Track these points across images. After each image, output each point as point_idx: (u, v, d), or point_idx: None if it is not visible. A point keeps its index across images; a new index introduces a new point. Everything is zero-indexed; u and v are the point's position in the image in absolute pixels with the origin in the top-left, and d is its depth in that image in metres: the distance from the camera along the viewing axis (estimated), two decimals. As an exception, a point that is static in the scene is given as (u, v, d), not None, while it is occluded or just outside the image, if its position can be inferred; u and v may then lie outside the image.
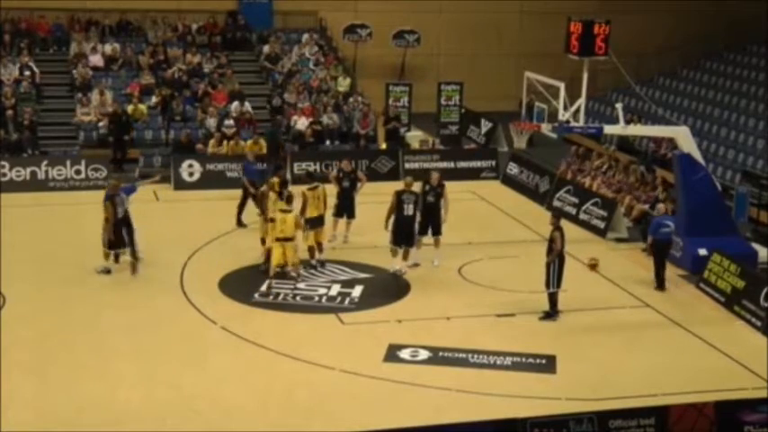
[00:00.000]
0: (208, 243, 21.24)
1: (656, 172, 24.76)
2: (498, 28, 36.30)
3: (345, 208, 21.30)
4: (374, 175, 26.68)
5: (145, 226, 21.54)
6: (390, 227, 19.50)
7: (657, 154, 27.42)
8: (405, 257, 19.64)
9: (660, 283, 19.38)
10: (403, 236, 19.51)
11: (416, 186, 20.18)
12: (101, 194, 24.99)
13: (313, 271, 19.63)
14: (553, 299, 17.74)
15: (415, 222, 19.60)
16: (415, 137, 30.83)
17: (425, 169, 26.46)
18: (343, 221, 21.38)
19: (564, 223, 22.98)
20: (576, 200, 24.13)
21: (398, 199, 19.44)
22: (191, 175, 25.95)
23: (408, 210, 19.43)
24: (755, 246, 21.13)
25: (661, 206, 20.52)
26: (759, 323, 17.69)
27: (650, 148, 28.00)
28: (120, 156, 27.16)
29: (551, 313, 17.72)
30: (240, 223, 22.56)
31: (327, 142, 29.22)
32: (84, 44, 31.57)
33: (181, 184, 25.91)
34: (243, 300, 18.33)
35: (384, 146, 29.51)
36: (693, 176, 20.66)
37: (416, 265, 19.94)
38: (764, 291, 17.80)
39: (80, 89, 29.77)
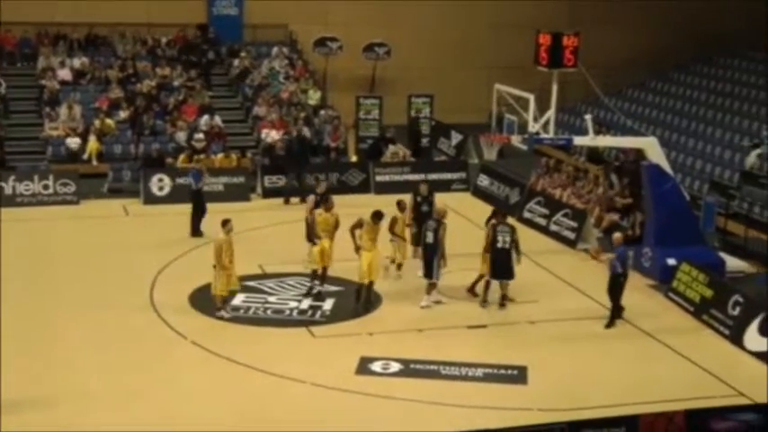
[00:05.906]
0: (178, 257, 21.12)
1: (623, 180, 24.81)
2: (468, 41, 36.39)
3: None
4: (345, 188, 26.67)
5: (114, 240, 21.46)
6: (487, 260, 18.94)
7: (625, 163, 27.49)
8: (503, 290, 18.94)
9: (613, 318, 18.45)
10: (499, 269, 18.82)
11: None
12: (70, 209, 25.03)
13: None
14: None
15: (512, 255, 18.81)
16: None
17: (396, 182, 26.42)
18: None
19: (535, 235, 23.40)
20: (546, 211, 24.23)
21: (494, 232, 18.89)
22: (161, 189, 25.81)
23: (505, 243, 18.71)
24: (723, 255, 21.30)
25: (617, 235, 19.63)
26: (727, 332, 17.81)
27: (621, 159, 28.08)
28: None
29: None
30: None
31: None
32: (53, 58, 31.41)
33: (150, 199, 25.73)
34: (213, 314, 18.23)
35: (354, 158, 29.48)
36: (662, 187, 20.81)
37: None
38: (732, 299, 17.95)
39: (48, 103, 29.57)
